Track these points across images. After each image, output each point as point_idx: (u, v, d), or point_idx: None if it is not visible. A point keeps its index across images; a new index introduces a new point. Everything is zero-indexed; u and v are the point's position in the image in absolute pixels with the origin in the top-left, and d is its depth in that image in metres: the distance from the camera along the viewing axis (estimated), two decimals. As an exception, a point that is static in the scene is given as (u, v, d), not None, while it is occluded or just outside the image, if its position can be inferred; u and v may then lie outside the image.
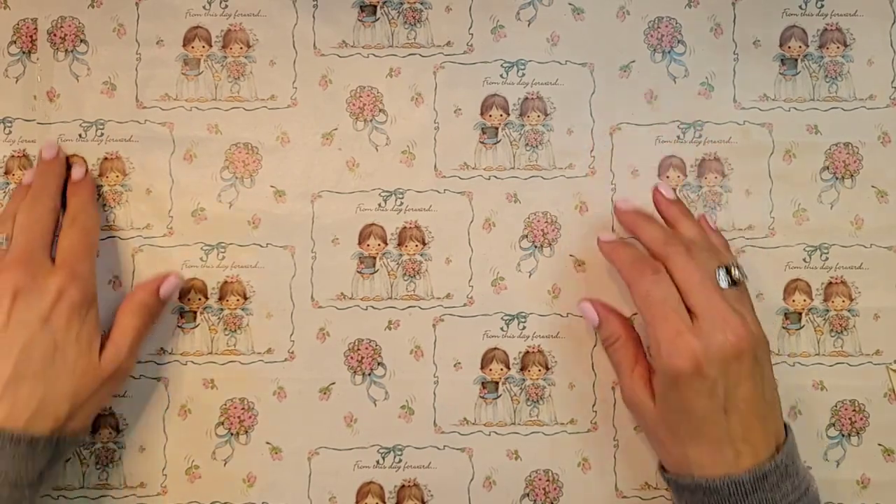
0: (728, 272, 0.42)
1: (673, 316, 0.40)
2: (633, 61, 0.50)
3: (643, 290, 0.41)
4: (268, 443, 0.49)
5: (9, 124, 0.50)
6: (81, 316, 0.42)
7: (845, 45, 0.50)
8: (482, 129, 0.50)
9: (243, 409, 0.49)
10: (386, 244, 0.50)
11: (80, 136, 0.50)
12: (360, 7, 0.50)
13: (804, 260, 0.50)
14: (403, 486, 0.49)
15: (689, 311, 0.41)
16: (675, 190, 0.49)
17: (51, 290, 0.41)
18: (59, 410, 0.40)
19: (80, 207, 0.47)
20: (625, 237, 0.48)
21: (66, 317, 0.41)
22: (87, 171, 0.49)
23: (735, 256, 0.47)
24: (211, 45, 0.50)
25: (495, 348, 0.50)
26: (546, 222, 0.50)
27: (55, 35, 0.50)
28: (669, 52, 0.50)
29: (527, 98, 0.50)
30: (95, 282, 0.45)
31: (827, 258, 0.50)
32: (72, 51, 0.50)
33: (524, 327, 0.50)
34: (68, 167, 0.49)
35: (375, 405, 0.49)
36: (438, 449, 0.49)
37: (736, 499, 0.39)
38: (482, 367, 0.49)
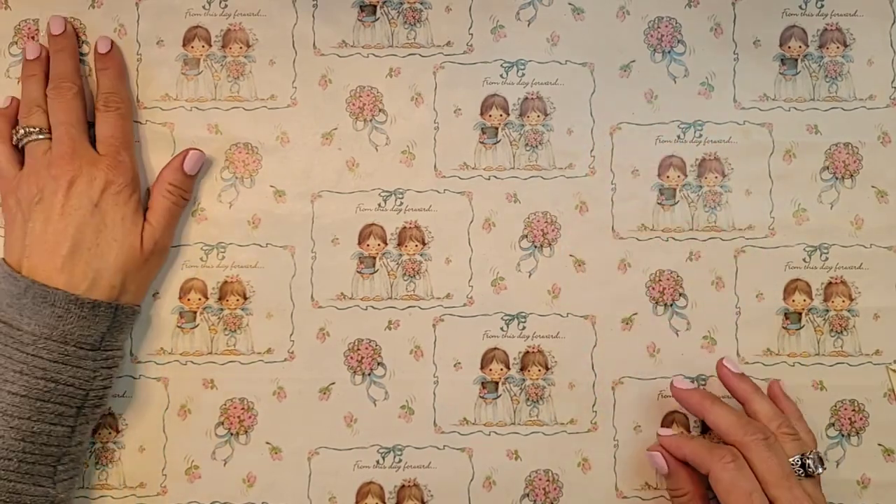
0: (804, 465, 0.43)
1: None
2: (633, 61, 0.50)
3: (727, 478, 0.42)
4: (268, 443, 0.49)
5: (9, 124, 0.50)
6: (125, 200, 0.47)
7: (845, 45, 0.50)
8: (482, 129, 0.50)
9: (243, 409, 0.49)
10: (386, 244, 0.50)
11: (80, 136, 0.50)
12: (360, 7, 0.50)
13: (804, 260, 0.50)
14: (403, 486, 0.49)
15: (769, 500, 0.42)
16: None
17: (99, 179, 0.46)
18: (113, 280, 0.45)
19: (111, 87, 0.49)
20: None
21: (113, 202, 0.46)
22: (111, 43, 0.49)
23: (813, 437, 0.46)
24: (211, 45, 0.50)
25: (495, 348, 0.50)
26: (546, 222, 0.50)
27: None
28: (669, 52, 0.50)
29: (527, 98, 0.50)
30: (136, 167, 0.49)
31: (827, 258, 0.50)
32: (72, 51, 0.50)
33: (524, 327, 0.50)
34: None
35: (375, 405, 0.49)
36: (438, 449, 0.49)
37: None
38: (482, 367, 0.49)
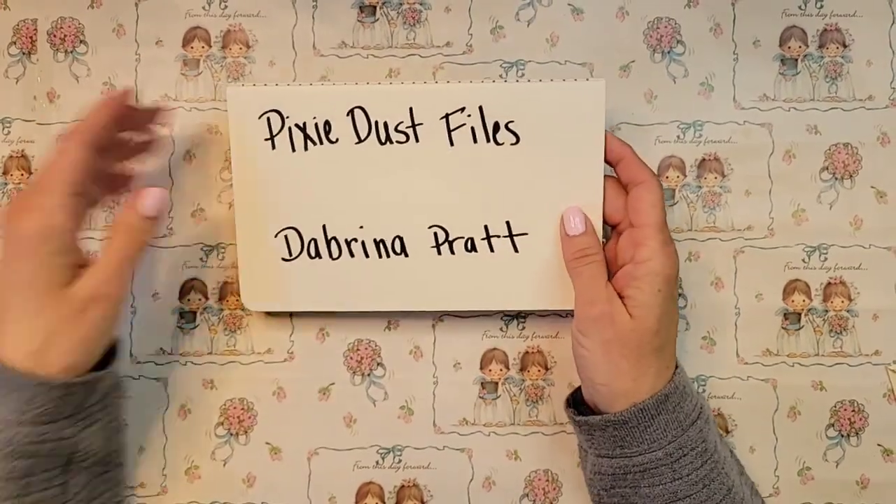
0: None
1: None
2: (633, 61, 0.50)
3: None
4: (267, 443, 0.49)
5: (8, 125, 0.50)
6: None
7: (845, 46, 0.50)
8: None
9: (243, 409, 0.49)
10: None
11: (79, 136, 0.50)
12: (360, 7, 0.50)
13: (803, 260, 0.50)
14: (403, 486, 0.49)
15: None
16: (674, 191, 0.49)
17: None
18: (31, 344, 0.40)
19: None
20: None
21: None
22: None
23: None
24: (210, 46, 0.50)
25: (494, 349, 0.50)
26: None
27: (55, 36, 0.50)
28: (669, 52, 0.50)
29: (526, 98, 0.50)
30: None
31: (826, 258, 0.50)
32: (71, 51, 0.50)
33: (523, 327, 0.50)
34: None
35: (375, 405, 0.49)
36: (438, 449, 0.49)
37: (644, 424, 0.41)
38: (481, 368, 0.49)
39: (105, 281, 0.41)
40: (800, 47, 0.50)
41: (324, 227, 0.46)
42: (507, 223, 0.46)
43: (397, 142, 0.46)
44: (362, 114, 0.45)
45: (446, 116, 0.45)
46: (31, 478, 0.40)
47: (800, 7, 0.50)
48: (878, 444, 0.49)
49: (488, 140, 0.45)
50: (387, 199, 0.46)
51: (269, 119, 0.46)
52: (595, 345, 0.42)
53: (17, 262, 0.40)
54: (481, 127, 0.45)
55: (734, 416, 0.49)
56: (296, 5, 0.50)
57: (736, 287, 0.50)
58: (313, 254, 0.46)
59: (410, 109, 0.45)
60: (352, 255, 0.46)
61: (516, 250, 0.46)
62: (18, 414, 0.39)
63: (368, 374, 0.49)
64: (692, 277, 0.50)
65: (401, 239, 0.46)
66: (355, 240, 0.46)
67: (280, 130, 0.46)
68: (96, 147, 0.42)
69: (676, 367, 0.44)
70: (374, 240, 0.46)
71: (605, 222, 0.46)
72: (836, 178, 0.50)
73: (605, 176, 0.45)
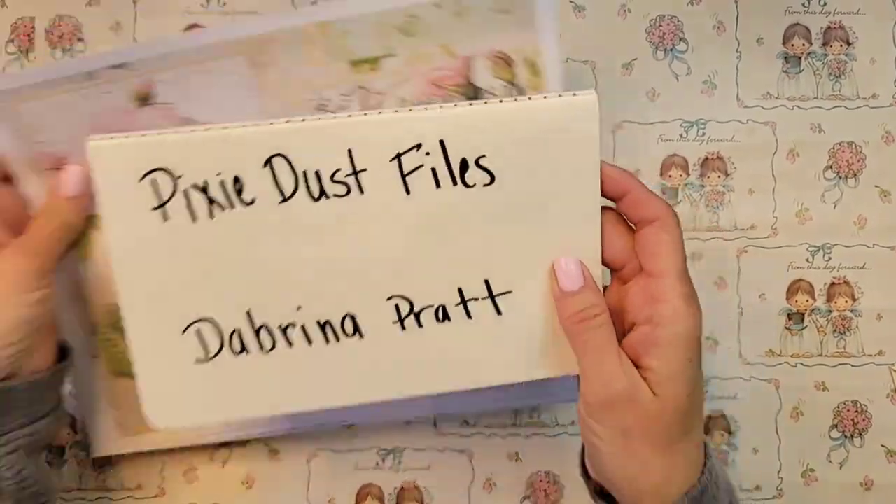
0: None
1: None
2: (635, 59, 0.50)
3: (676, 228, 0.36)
4: (267, 444, 0.49)
5: (5, 123, 0.50)
6: None
7: (848, 44, 0.50)
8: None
9: (242, 410, 0.49)
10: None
11: (77, 135, 0.49)
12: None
13: (807, 260, 0.49)
14: (403, 488, 0.49)
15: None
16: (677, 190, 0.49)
17: None
18: None
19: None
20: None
21: None
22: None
23: None
24: (209, 44, 0.50)
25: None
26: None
27: (53, 33, 0.50)
28: (671, 50, 0.50)
29: (527, 97, 0.50)
30: None
31: (830, 258, 0.49)
32: (69, 49, 0.50)
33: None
34: None
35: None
36: (438, 451, 0.49)
37: None
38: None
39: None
40: (803, 45, 0.50)
41: (248, 313, 0.36)
42: (486, 282, 0.36)
43: (335, 195, 0.35)
44: (284, 163, 0.34)
45: (398, 157, 0.35)
46: None
47: (803, 5, 0.50)
48: (882, 445, 0.49)
49: (455, 182, 0.35)
50: (329, 270, 0.36)
51: (154, 181, 0.34)
52: (612, 435, 0.34)
53: None
54: (445, 167, 0.35)
55: (737, 417, 0.49)
56: (295, 4, 0.50)
57: (739, 287, 0.49)
58: (238, 349, 0.36)
59: (349, 152, 0.35)
60: (290, 344, 0.36)
61: (499, 313, 0.37)
62: None
63: (368, 375, 0.49)
64: (694, 277, 0.49)
65: (353, 318, 0.36)
66: (292, 325, 0.36)
67: (172, 195, 0.34)
68: None
69: (705, 444, 0.36)
70: (318, 322, 0.36)
71: (604, 264, 0.38)
72: (840, 177, 0.50)
73: (602, 208, 0.37)
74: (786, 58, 0.50)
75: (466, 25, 0.42)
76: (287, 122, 0.34)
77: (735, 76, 0.50)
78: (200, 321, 0.36)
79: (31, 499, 0.39)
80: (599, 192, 0.36)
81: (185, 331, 0.36)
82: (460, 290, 0.37)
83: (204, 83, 0.41)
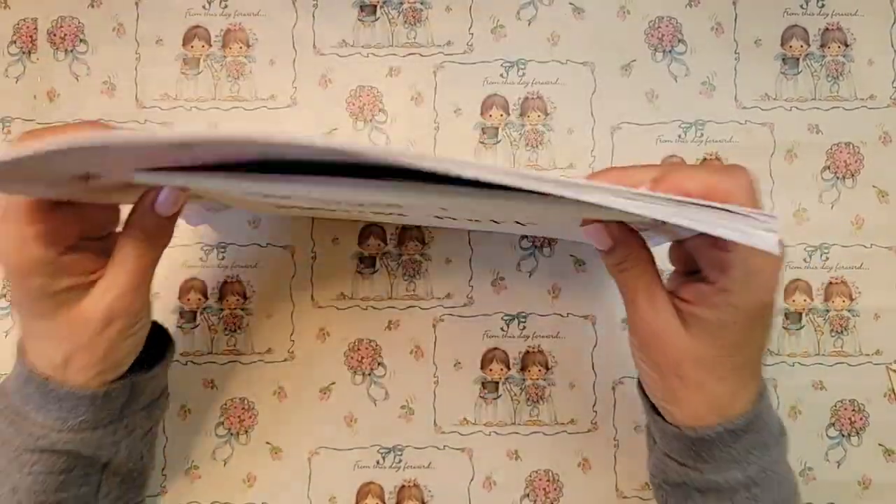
0: None
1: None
2: (634, 61, 0.50)
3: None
4: (268, 443, 0.49)
5: (7, 123, 0.50)
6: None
7: (846, 45, 0.50)
8: (482, 129, 0.50)
9: (243, 409, 0.49)
10: (386, 244, 0.50)
11: (79, 135, 0.50)
12: (360, 7, 0.50)
13: (804, 260, 0.50)
14: (403, 486, 0.49)
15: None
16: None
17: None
18: (53, 360, 0.38)
19: None
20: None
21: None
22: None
23: None
24: (210, 45, 0.50)
25: (495, 348, 0.49)
26: (546, 222, 0.50)
27: (55, 35, 0.50)
28: (670, 51, 0.50)
29: (527, 98, 0.50)
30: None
31: (827, 258, 0.50)
32: (72, 50, 0.50)
33: (524, 327, 0.50)
34: None
35: (375, 405, 0.49)
36: (438, 449, 0.49)
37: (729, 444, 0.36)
38: (482, 367, 0.49)
39: (119, 296, 0.37)
40: (801, 46, 0.50)
41: None
42: None
43: None
44: None
45: None
46: (69, 474, 0.39)
47: (801, 6, 0.50)
48: (880, 444, 0.49)
49: None
50: None
51: None
52: (649, 367, 0.37)
53: (13, 292, 0.38)
54: None
55: (735, 416, 0.49)
56: (296, 4, 0.50)
57: (737, 287, 0.49)
58: None
59: None
60: None
61: None
62: (61, 422, 0.38)
63: (369, 374, 0.49)
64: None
65: None
66: None
67: None
68: None
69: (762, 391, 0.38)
70: None
71: None
72: (838, 178, 0.50)
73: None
74: (784, 59, 0.50)
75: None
76: None
77: (733, 77, 0.50)
78: None
79: (140, 475, 0.43)
80: None
81: None
82: None
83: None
